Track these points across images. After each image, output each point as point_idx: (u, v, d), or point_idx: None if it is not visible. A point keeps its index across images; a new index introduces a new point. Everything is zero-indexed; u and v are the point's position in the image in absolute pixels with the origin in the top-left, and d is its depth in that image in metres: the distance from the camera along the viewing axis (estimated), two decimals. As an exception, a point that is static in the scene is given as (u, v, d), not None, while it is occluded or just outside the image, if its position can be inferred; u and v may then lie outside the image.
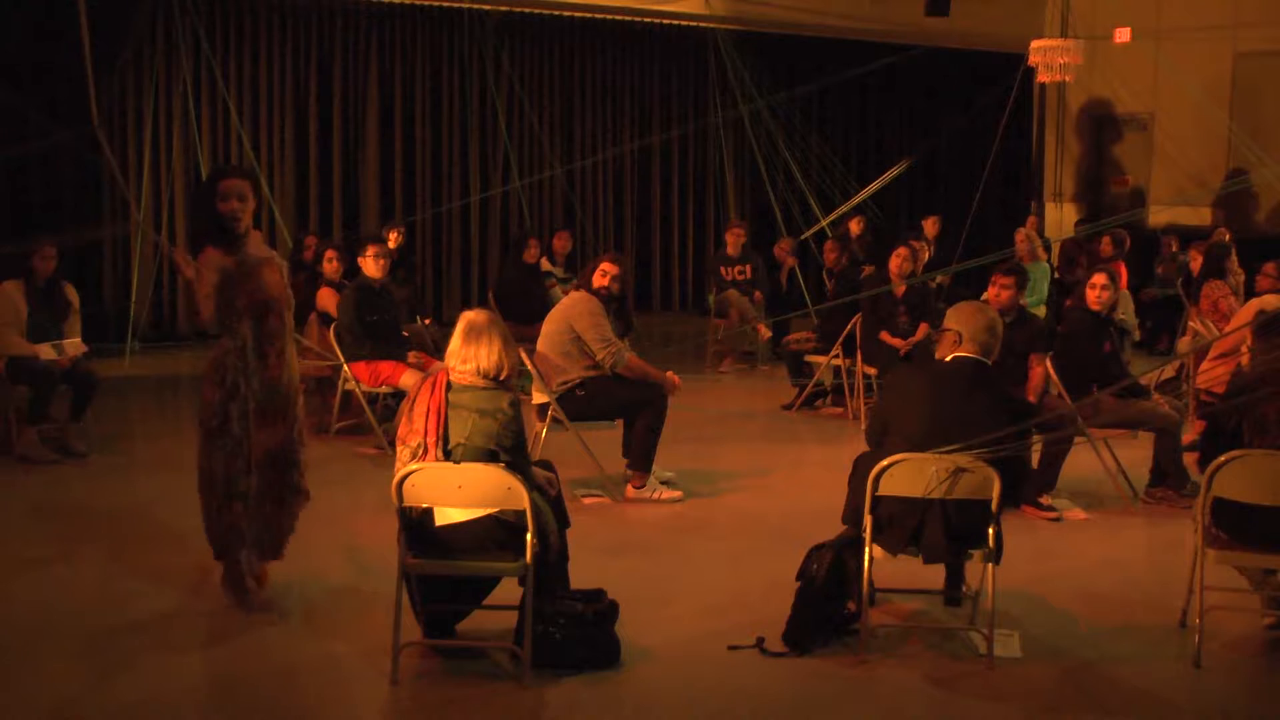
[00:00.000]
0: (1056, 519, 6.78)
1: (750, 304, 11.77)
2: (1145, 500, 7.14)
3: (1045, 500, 6.84)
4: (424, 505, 4.58)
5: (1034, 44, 12.86)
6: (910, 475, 4.73)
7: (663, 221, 16.14)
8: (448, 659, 4.75)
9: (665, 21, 15.03)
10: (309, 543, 5.84)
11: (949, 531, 4.76)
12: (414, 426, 4.63)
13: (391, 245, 10.18)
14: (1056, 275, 12.88)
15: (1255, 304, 8.12)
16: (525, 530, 4.47)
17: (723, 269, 12.03)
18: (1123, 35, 14.82)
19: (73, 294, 8.27)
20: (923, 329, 8.99)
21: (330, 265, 9.18)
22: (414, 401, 4.69)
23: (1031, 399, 6.87)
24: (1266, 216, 15.08)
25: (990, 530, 4.74)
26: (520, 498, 4.45)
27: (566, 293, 7.90)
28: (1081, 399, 6.94)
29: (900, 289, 9.11)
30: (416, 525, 4.60)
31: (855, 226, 13.51)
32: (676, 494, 7.11)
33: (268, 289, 5.00)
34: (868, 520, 4.77)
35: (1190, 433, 7.62)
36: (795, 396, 9.85)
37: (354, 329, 8.07)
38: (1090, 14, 14.62)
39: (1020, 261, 9.98)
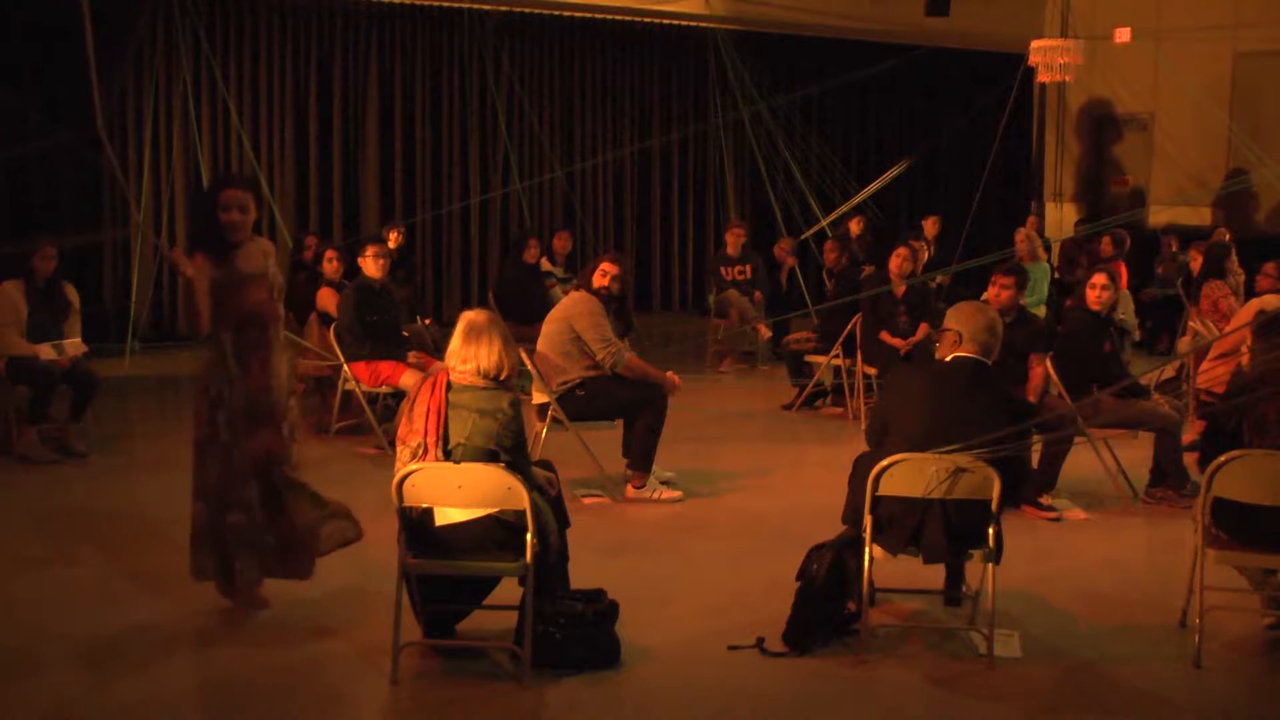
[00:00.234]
0: (1056, 519, 6.78)
1: (750, 304, 11.77)
2: (1145, 500, 7.14)
3: (1045, 500, 6.84)
4: (424, 505, 4.58)
5: (1034, 44, 12.86)
6: (910, 475, 4.73)
7: (663, 221, 16.14)
8: (448, 659, 4.75)
9: (665, 21, 15.04)
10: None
11: (949, 531, 4.76)
12: (414, 426, 4.63)
13: (391, 245, 10.18)
14: (1056, 275, 12.88)
15: (1255, 304, 8.12)
16: (525, 530, 4.47)
17: (723, 269, 12.04)
18: (1123, 35, 14.82)
19: (73, 294, 8.28)
20: (923, 329, 8.99)
21: (330, 265, 9.18)
22: (414, 401, 4.69)
23: (1031, 399, 6.87)
24: (1266, 216, 15.08)
25: (990, 530, 4.74)
26: (520, 498, 4.45)
27: (566, 293, 7.90)
28: (1081, 399, 6.93)
29: (900, 289, 9.11)
30: (416, 525, 4.60)
31: (855, 226, 13.51)
32: (676, 494, 7.11)
33: (249, 304, 4.94)
34: (868, 520, 4.77)
35: (1190, 433, 7.62)
36: (795, 396, 9.85)
37: (354, 329, 8.07)
38: (1090, 14, 14.62)
39: (1020, 261, 9.98)
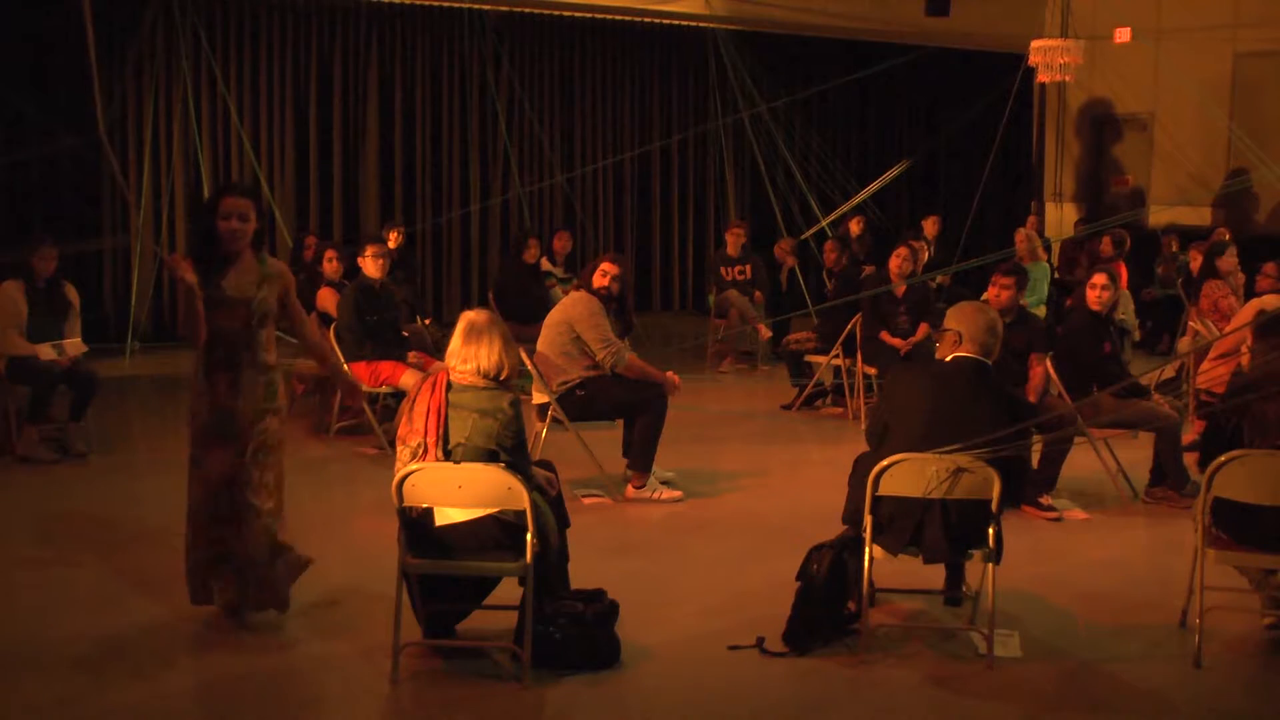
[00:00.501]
0: (1056, 519, 6.78)
1: (750, 304, 11.77)
2: (1145, 500, 7.14)
3: (1045, 500, 6.84)
4: (424, 505, 4.58)
5: (1034, 44, 12.87)
6: (910, 475, 4.73)
7: (663, 221, 16.14)
8: (448, 659, 4.75)
9: (665, 21, 15.03)
10: (309, 543, 5.84)
11: (949, 531, 4.76)
12: (414, 426, 4.63)
13: (391, 245, 10.18)
14: (1056, 275, 12.89)
15: (1255, 304, 8.13)
16: (525, 530, 4.47)
17: (723, 269, 12.04)
18: (1123, 35, 14.83)
19: (73, 294, 8.28)
20: (923, 329, 8.99)
21: (330, 265, 9.18)
22: (414, 401, 4.69)
23: (1031, 399, 6.87)
24: (1266, 216, 15.08)
25: (990, 530, 4.75)
26: (520, 498, 4.45)
27: (566, 293, 7.90)
28: (1081, 399, 6.94)
29: (900, 289, 9.11)
30: (416, 525, 4.60)
31: (855, 227, 13.52)
32: (676, 494, 7.11)
33: (217, 324, 4.87)
34: (868, 520, 4.77)
35: (1190, 433, 7.62)
36: (795, 396, 9.85)
37: (354, 329, 8.07)
38: (1090, 14, 14.61)
39: (1020, 261, 9.98)
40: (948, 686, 4.62)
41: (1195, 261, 11.45)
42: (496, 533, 4.58)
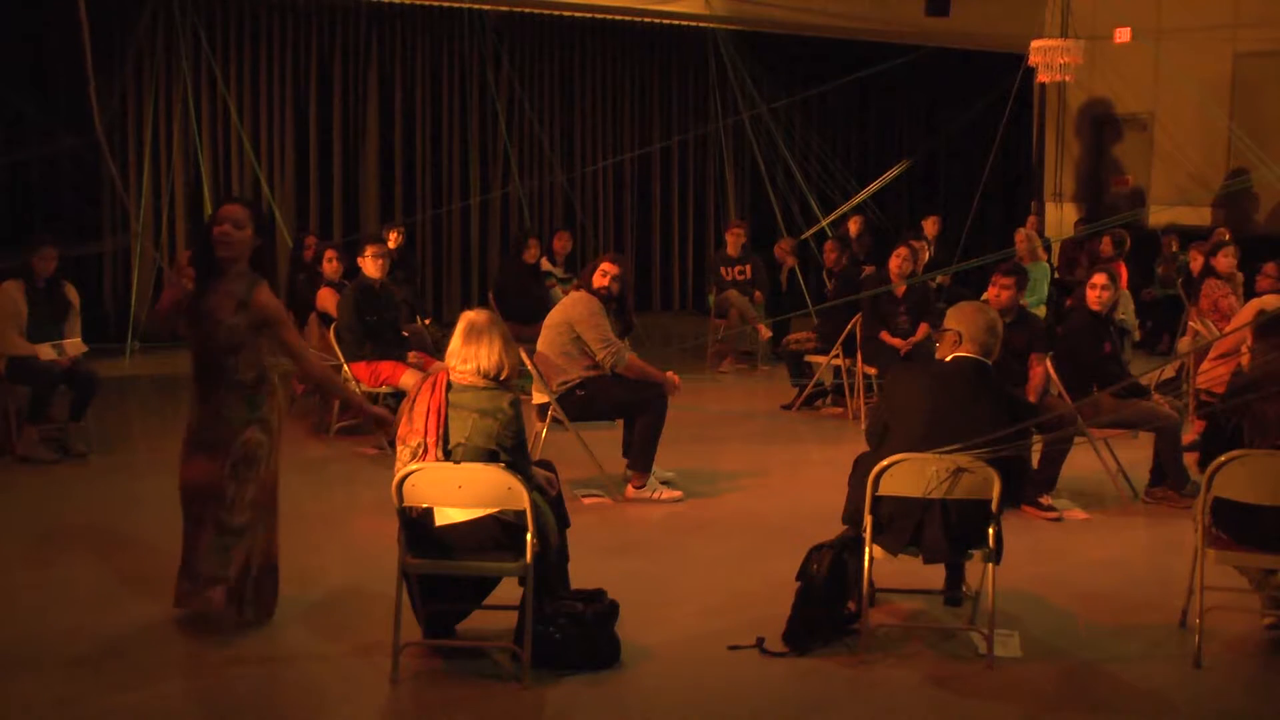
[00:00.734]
0: (1056, 519, 6.78)
1: (750, 304, 11.77)
2: (1145, 500, 7.14)
3: (1045, 500, 6.84)
4: (424, 505, 4.58)
5: (1034, 44, 12.86)
6: (910, 475, 4.73)
7: (663, 221, 16.14)
8: (448, 659, 4.75)
9: (665, 21, 15.03)
10: (309, 543, 5.86)
11: (949, 531, 4.76)
12: (414, 426, 4.63)
13: (391, 245, 10.18)
14: (1056, 275, 12.89)
15: (1255, 304, 8.13)
16: (525, 530, 4.47)
17: (723, 269, 12.04)
18: (1123, 35, 14.82)
19: (73, 294, 8.28)
20: (923, 329, 8.99)
21: (330, 265, 9.18)
22: (414, 401, 4.69)
23: (1031, 399, 6.87)
24: (1266, 216, 15.08)
25: (990, 530, 4.75)
26: (520, 498, 4.45)
27: (566, 293, 7.90)
28: (1081, 399, 6.94)
29: (900, 289, 9.11)
30: (416, 525, 4.60)
31: (853, 227, 13.51)
32: (676, 494, 7.11)
33: (197, 340, 4.87)
34: (868, 520, 4.77)
35: (1190, 433, 7.62)
36: (795, 396, 9.85)
37: (354, 329, 8.08)
38: (1090, 14, 14.61)
39: (1020, 261, 9.98)
40: (948, 686, 4.61)
41: (1195, 261, 11.45)
42: (496, 533, 4.58)
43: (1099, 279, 7.35)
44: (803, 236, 14.02)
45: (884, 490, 4.76)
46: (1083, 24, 13.80)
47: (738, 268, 11.99)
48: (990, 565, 4.76)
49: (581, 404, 7.04)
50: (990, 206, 15.07)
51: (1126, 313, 10.22)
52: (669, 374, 7.17)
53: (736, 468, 7.85)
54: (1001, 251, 10.38)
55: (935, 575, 5.29)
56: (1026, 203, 17.19)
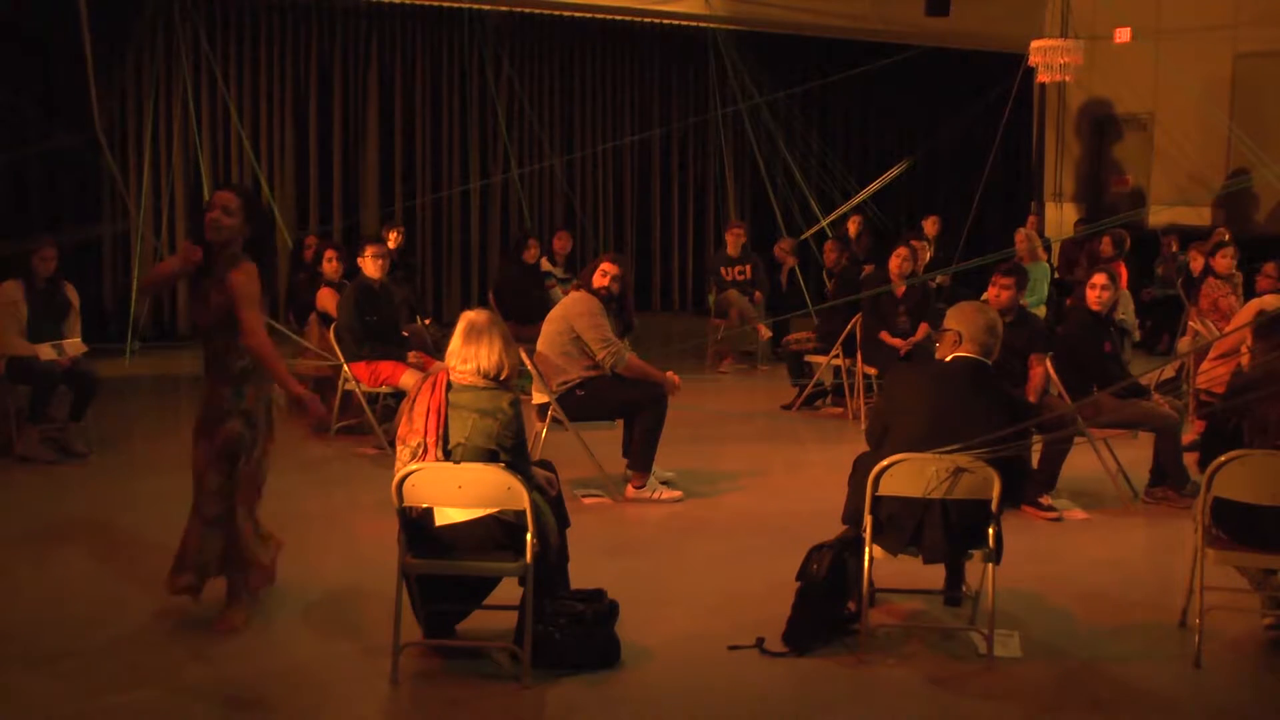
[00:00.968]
0: (1056, 519, 6.78)
1: (750, 304, 11.77)
2: (1145, 500, 7.14)
3: (1045, 500, 6.84)
4: (424, 505, 4.58)
5: (1034, 44, 12.86)
6: (910, 475, 4.73)
7: (663, 221, 16.14)
8: (448, 659, 4.75)
9: (665, 21, 15.03)
10: (309, 543, 5.85)
11: (949, 531, 4.76)
12: (414, 426, 4.63)
13: (391, 245, 10.18)
14: (1056, 275, 12.88)
15: (1255, 304, 8.13)
16: (525, 530, 4.47)
17: (723, 269, 12.04)
18: (1123, 35, 14.82)
19: (73, 294, 8.28)
20: (923, 329, 8.99)
21: (330, 265, 9.18)
22: (414, 401, 4.69)
23: (1031, 399, 6.87)
24: (1266, 216, 15.08)
25: (990, 530, 4.75)
26: (520, 498, 4.45)
27: (566, 293, 7.90)
28: (1081, 399, 6.93)
29: (900, 289, 9.11)
30: (416, 525, 4.60)
31: (854, 227, 13.51)
32: (676, 494, 7.11)
33: (199, 328, 4.90)
34: (868, 520, 4.77)
35: (1190, 433, 7.62)
36: (795, 396, 9.85)
37: (354, 329, 8.07)
38: (1090, 14, 14.61)
39: (1020, 261, 9.97)
40: (948, 686, 4.62)
41: (1195, 261, 11.45)
42: (496, 533, 4.58)
43: (1099, 279, 7.35)
44: (803, 236, 14.02)
45: (884, 490, 4.76)
46: (1083, 24, 13.80)
47: (738, 268, 11.99)
48: (990, 565, 4.76)
49: (581, 404, 7.04)
50: (990, 206, 15.06)
51: (1126, 313, 10.22)
52: (669, 374, 7.17)
53: (736, 468, 7.85)
54: (1001, 251, 10.38)
55: (935, 575, 5.28)
56: (1026, 203, 17.19)
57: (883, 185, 14.57)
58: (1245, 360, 6.08)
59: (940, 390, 4.99)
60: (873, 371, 9.15)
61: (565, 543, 4.91)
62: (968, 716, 4.44)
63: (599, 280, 7.20)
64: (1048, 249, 12.80)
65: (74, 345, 8.02)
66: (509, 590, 4.70)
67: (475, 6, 13.97)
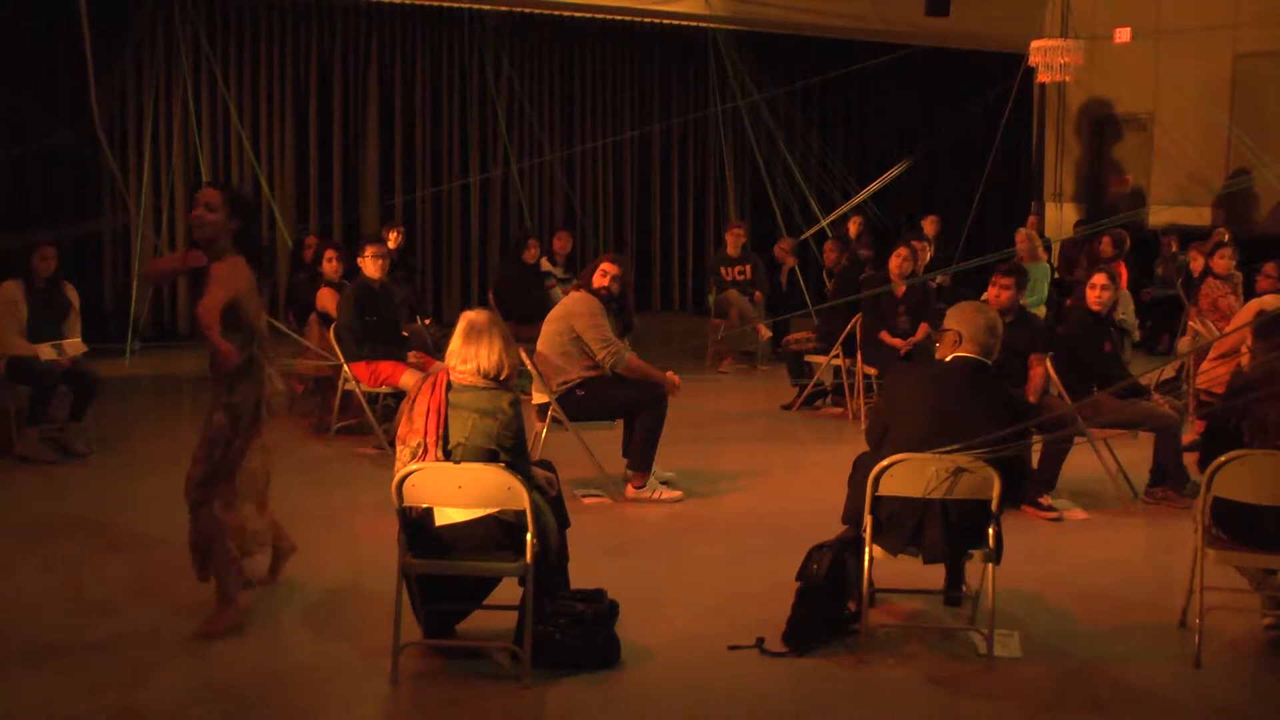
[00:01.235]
0: (1056, 519, 6.78)
1: (750, 304, 11.77)
2: (1145, 500, 7.14)
3: (1045, 500, 6.84)
4: (424, 505, 4.58)
5: (1034, 44, 12.86)
6: (910, 475, 4.73)
7: (663, 221, 16.14)
8: (448, 659, 4.75)
9: (665, 21, 15.03)
10: (309, 543, 5.85)
11: (949, 531, 4.76)
12: (414, 426, 4.63)
13: (391, 245, 10.18)
14: (1056, 275, 12.88)
15: (1255, 304, 8.13)
16: (525, 530, 4.47)
17: (723, 269, 12.04)
18: (1123, 35, 14.83)
19: (73, 294, 8.28)
20: (923, 329, 8.99)
21: (330, 265, 9.18)
22: (414, 401, 4.69)
23: (1031, 399, 6.87)
24: (1266, 216, 15.08)
25: (990, 530, 4.75)
26: (520, 498, 4.45)
27: (566, 293, 7.90)
28: (1081, 399, 6.93)
29: (900, 289, 9.11)
30: (416, 525, 4.60)
31: (854, 227, 13.50)
32: (676, 494, 7.11)
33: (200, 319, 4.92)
34: (868, 520, 4.77)
35: (1190, 433, 7.62)
36: (795, 396, 9.85)
37: (354, 329, 8.07)
38: (1090, 14, 14.61)
39: (1020, 261, 9.97)
40: (948, 686, 4.62)
41: (1195, 262, 11.45)
42: (496, 533, 4.58)
43: (1099, 279, 7.35)
44: (803, 236, 14.02)
45: (884, 490, 4.76)
46: (1083, 24, 13.81)
47: (738, 268, 11.99)
48: (990, 565, 4.76)
49: (581, 404, 7.04)
50: (990, 206, 15.07)
51: (1126, 313, 10.22)
52: (669, 374, 7.17)
53: (736, 468, 7.85)
54: (1001, 251, 10.38)
55: (935, 575, 5.28)
56: (1026, 203, 17.19)
57: (883, 185, 14.57)
58: (1245, 360, 6.07)
59: (940, 390, 4.99)
60: (873, 371, 9.15)
61: (565, 543, 4.91)
62: (968, 716, 4.44)
63: (599, 280, 7.20)
64: (1048, 249, 12.81)
65: (74, 345, 8.02)
66: (509, 590, 4.70)
67: (475, 6, 13.97)
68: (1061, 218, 16.92)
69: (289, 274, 11.94)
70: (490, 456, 4.59)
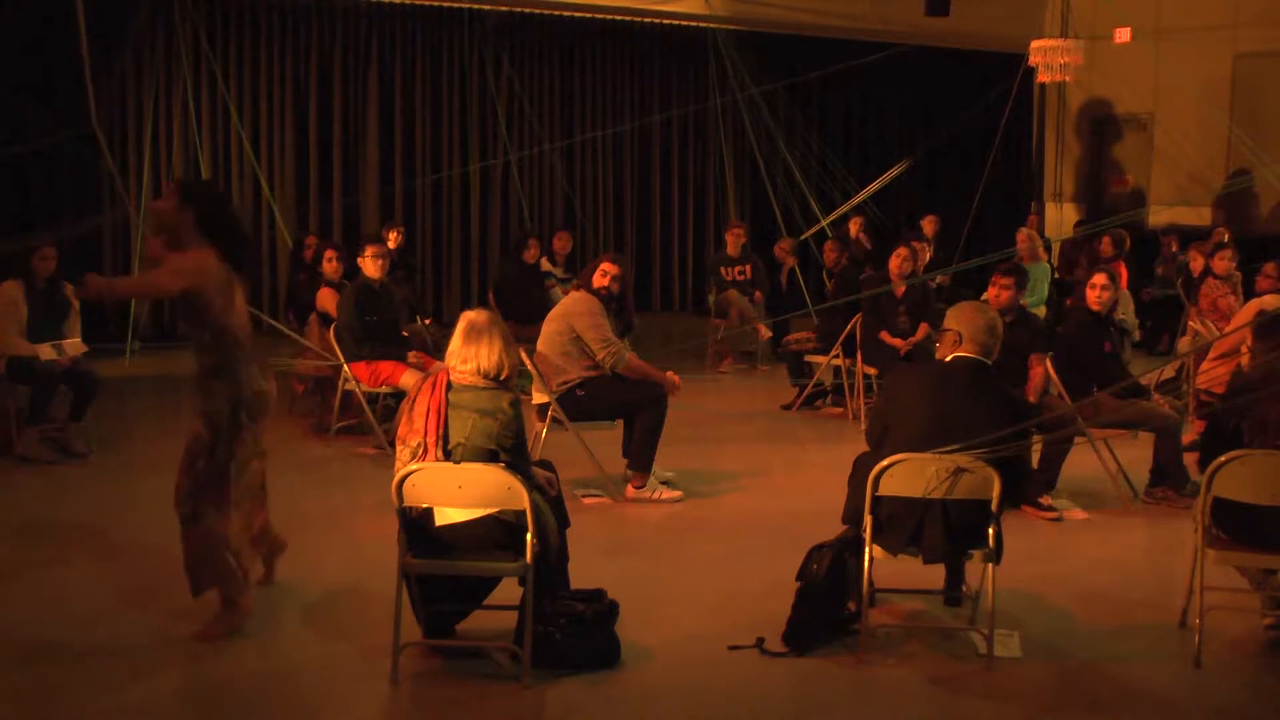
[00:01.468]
0: (1056, 519, 6.78)
1: (750, 304, 11.77)
2: (1145, 500, 7.14)
3: (1045, 500, 6.84)
4: (424, 505, 4.58)
5: (1034, 44, 12.86)
6: (910, 475, 4.73)
7: (663, 221, 16.15)
8: (448, 659, 4.75)
9: (665, 21, 15.03)
10: (309, 543, 5.85)
11: (949, 531, 4.76)
12: (414, 426, 4.63)
13: (391, 245, 10.18)
14: (1056, 275, 12.88)
15: (1255, 304, 8.13)
16: (525, 530, 4.47)
17: (723, 269, 12.04)
18: (1123, 35, 14.83)
19: (73, 294, 8.27)
20: (923, 329, 8.99)
21: (330, 265, 9.18)
22: (414, 401, 4.69)
23: (1031, 399, 6.87)
24: (1266, 216, 15.08)
25: (990, 530, 4.75)
26: (520, 498, 4.45)
27: (566, 293, 7.90)
28: (1081, 399, 6.93)
29: (900, 289, 9.11)
30: (416, 525, 4.60)
31: (854, 227, 13.51)
32: (676, 494, 7.11)
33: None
34: (868, 520, 4.77)
35: (1190, 433, 7.62)
36: (795, 396, 9.85)
37: (354, 329, 8.07)
38: (1090, 14, 14.61)
39: (1020, 261, 9.97)
40: (948, 686, 4.62)
41: (1195, 262, 11.45)
42: (496, 533, 4.58)
43: (1099, 279, 7.35)
44: (803, 236, 14.02)
45: (884, 490, 4.76)
46: (1083, 24, 13.81)
47: (738, 268, 11.99)
48: (990, 565, 4.76)
49: (581, 404, 7.04)
50: (990, 206, 15.08)
51: (1126, 313, 10.22)
52: (669, 374, 7.17)
53: (736, 468, 7.85)
54: (1001, 251, 10.38)
55: (935, 575, 5.28)
56: (1026, 203, 17.19)
57: (883, 185, 14.57)
58: (1245, 360, 6.07)
59: (940, 390, 4.99)
60: (873, 371, 9.15)
61: (565, 543, 4.91)
62: (968, 716, 4.44)
63: (599, 280, 7.20)
64: (1048, 249, 12.81)
65: (74, 345, 8.02)
66: (509, 590, 4.70)
67: (475, 6, 13.97)
68: (1061, 218, 16.91)
69: (289, 274, 11.94)
70: (490, 456, 4.59)
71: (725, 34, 14.67)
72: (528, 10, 14.33)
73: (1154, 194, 16.01)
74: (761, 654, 4.80)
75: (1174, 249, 13.49)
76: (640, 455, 7.05)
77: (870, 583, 4.86)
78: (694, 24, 14.95)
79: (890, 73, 15.37)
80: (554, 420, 7.08)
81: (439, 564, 4.58)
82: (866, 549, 4.78)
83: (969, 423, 4.80)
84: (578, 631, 4.64)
